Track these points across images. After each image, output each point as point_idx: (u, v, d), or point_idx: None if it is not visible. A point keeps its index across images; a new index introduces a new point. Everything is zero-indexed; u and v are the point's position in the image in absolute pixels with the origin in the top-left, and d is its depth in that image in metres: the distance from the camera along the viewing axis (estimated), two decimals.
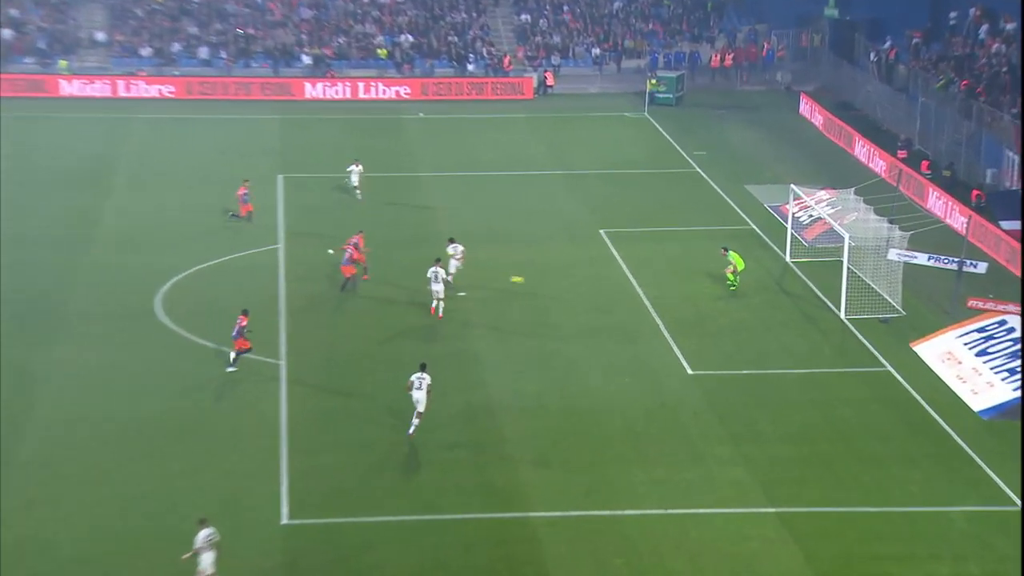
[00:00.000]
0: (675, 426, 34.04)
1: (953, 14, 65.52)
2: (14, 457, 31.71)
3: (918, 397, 35.96)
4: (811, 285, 44.05)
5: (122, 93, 69.98)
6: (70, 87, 69.77)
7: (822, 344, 39.61)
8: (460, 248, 42.72)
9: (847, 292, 41.39)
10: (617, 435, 33.48)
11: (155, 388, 35.59)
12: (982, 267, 41.41)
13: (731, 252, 43.12)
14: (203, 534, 26.65)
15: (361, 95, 71.92)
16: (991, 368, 36.58)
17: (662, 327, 40.39)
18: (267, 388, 35.68)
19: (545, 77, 74.13)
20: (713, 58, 77.51)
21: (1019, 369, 35.93)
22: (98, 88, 69.77)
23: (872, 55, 69.96)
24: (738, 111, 70.31)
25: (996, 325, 38.69)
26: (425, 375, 33.10)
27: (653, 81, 70.88)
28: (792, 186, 47.56)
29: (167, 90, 70.49)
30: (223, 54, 74.53)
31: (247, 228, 48.50)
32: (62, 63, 71.89)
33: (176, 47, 74.81)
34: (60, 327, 39.24)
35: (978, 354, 37.51)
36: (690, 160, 60.11)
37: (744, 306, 42.32)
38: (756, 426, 34.08)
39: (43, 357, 37.16)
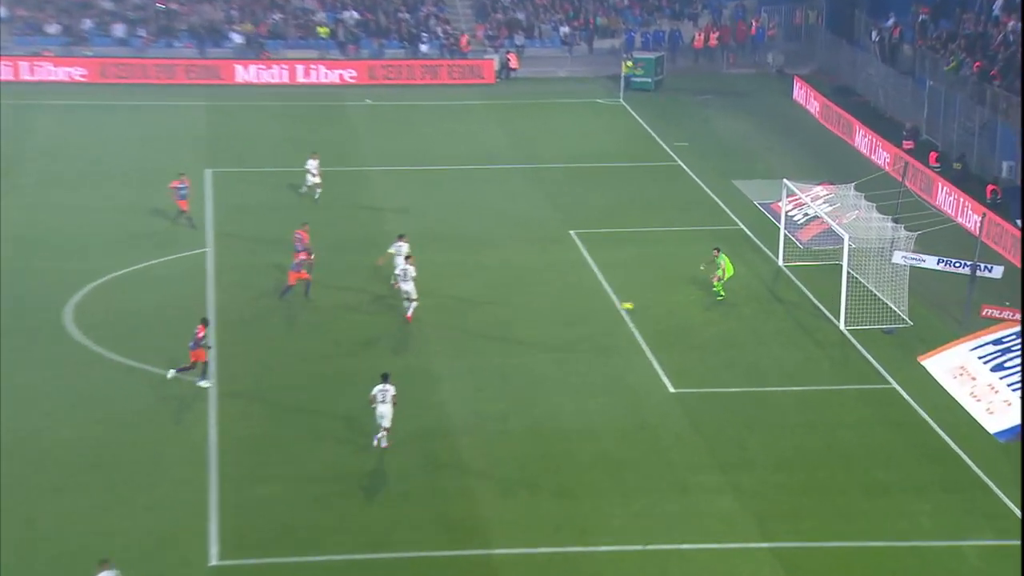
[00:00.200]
0: (656, 451, 34.14)
1: None
2: None
3: (927, 418, 36.21)
4: (807, 292, 44.31)
5: (25, 76, 69.58)
6: None
7: (820, 359, 39.84)
8: (404, 247, 42.82)
9: (847, 300, 41.65)
10: (590, 461, 33.53)
11: (64, 412, 35.34)
12: (998, 271, 41.65)
13: (722, 255, 43.20)
14: None
15: (300, 79, 71.81)
16: (1009, 385, 36.82)
17: (640, 340, 40.51)
18: (195, 411, 35.52)
19: (508, 59, 74.28)
20: (696, 37, 77.91)
21: None
22: None
23: (874, 34, 70.46)
24: (724, 97, 70.65)
25: (1014, 336, 38.93)
26: (389, 386, 33.30)
27: (629, 63, 71.16)
28: (785, 181, 47.84)
29: (77, 73, 70.16)
30: (141, 32, 74.22)
31: (174, 230, 48.29)
32: None
33: (87, 24, 74.42)
34: None
35: (994, 369, 37.75)
36: (671, 152, 60.33)
37: (732, 316, 42.50)
38: (747, 451, 34.23)
39: None
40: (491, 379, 37.81)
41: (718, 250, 43.57)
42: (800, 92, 69.64)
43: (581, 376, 38.11)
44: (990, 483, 32.91)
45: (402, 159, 58.60)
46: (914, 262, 41.89)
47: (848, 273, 41.85)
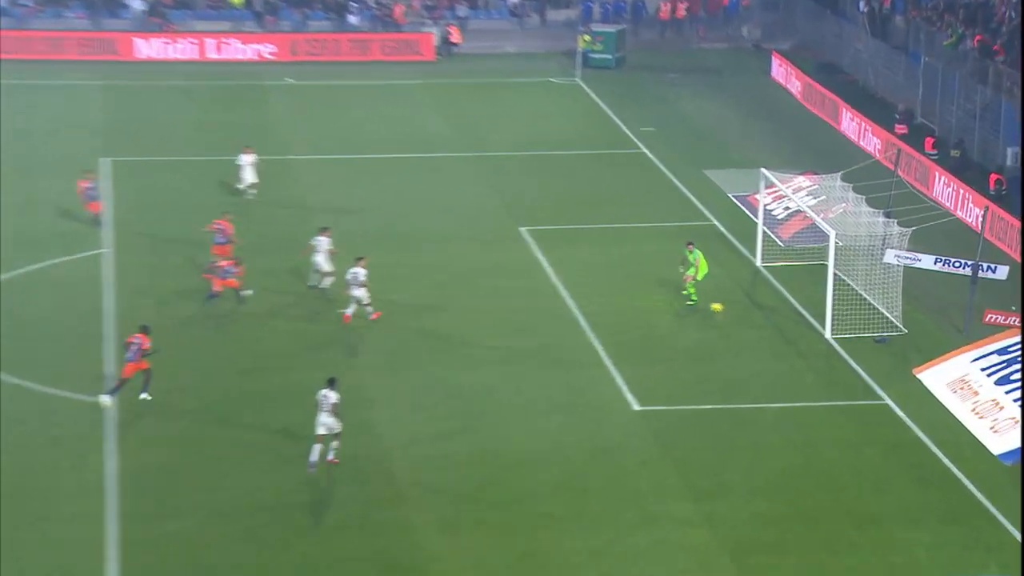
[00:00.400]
0: (619, 477, 34.28)
1: None
2: None
3: (924, 437, 36.53)
4: (788, 296, 44.62)
5: None
6: None
7: (803, 371, 40.13)
8: (324, 242, 42.86)
9: (834, 305, 41.97)
10: (545, 490, 33.63)
11: None
12: (1002, 272, 41.95)
13: (697, 251, 43.31)
14: None
15: (210, 55, 71.56)
16: (1015, 400, 36.99)
17: (601, 351, 40.67)
18: (91, 437, 35.36)
19: (449, 33, 74.32)
20: (662, 8, 78.19)
21: None
22: None
23: (862, 3, 70.99)
24: (694, 75, 70.96)
25: (1020, 345, 39.17)
26: (330, 393, 33.56)
27: (587, 38, 71.34)
28: (763, 171, 48.09)
29: None
30: (26, 1, 73.67)
31: (67, 228, 48.06)
32: None
33: None
34: None
35: (999, 382, 37.98)
36: (634, 138, 60.54)
37: (705, 324, 42.75)
38: (722, 476, 34.42)
39: None
40: (432, 397, 37.84)
41: (692, 244, 43.68)
42: (779, 70, 70.07)
43: (534, 393, 38.20)
44: (994, 511, 33.19)
45: (329, 147, 58.49)
46: (909, 262, 42.19)
47: (835, 275, 42.15)
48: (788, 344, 41.55)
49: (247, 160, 51.54)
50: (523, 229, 49.51)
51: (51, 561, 30.40)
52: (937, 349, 40.45)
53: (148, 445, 35.10)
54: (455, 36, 74.14)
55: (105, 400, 36.33)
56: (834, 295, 41.91)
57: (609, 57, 71.66)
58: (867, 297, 42.88)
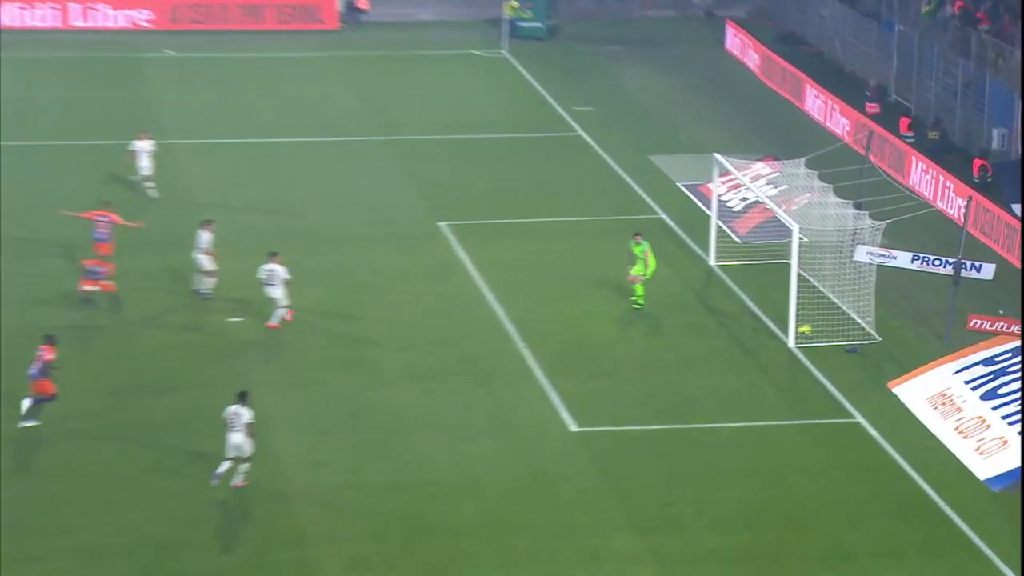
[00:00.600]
0: (555, 509, 34.32)
1: None
2: None
3: (900, 460, 36.76)
4: (746, 300, 44.86)
5: None
6: None
7: (764, 386, 40.34)
8: (206, 237, 42.81)
9: (797, 309, 42.23)
10: (469, 525, 33.62)
11: None
12: (988, 271, 42.23)
13: (644, 243, 43.31)
14: None
15: (76, 23, 71.10)
16: (1004, 417, 37.32)
17: (532, 364, 40.73)
18: None
19: None
20: None
21: None
22: None
23: None
24: (637, 48, 71.20)
25: (1009, 355, 39.52)
26: (242, 409, 33.53)
27: (514, 4, 71.37)
28: (716, 156, 48.33)
29: None
30: None
31: None
32: None
33: None
34: None
35: (985, 397, 38.29)
36: (569, 119, 60.68)
37: (652, 331, 42.91)
38: (673, 507, 34.53)
39: None
40: (338, 418, 37.76)
41: (639, 235, 43.62)
42: (734, 41, 70.43)
43: (456, 413, 38.20)
44: (980, 544, 33.44)
45: (216, 129, 58.26)
46: (882, 260, 42.49)
47: (799, 275, 42.42)
48: (746, 355, 41.75)
49: (143, 147, 50.90)
50: (442, 224, 49.52)
51: None
52: (915, 359, 40.82)
53: (11, 476, 34.78)
54: (362, 2, 74.00)
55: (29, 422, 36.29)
56: (798, 298, 42.15)
57: (540, 26, 71.81)
58: (836, 300, 43.16)
